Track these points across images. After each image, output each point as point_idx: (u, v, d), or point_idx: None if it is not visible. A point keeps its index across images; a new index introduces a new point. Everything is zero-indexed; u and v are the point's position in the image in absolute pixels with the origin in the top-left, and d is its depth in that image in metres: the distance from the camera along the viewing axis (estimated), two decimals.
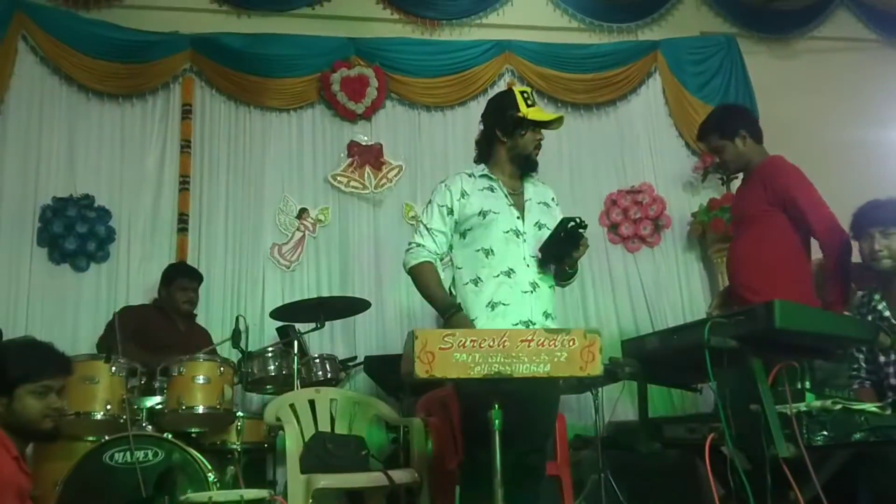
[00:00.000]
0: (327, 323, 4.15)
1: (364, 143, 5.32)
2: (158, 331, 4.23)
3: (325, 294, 4.82)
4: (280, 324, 4.40)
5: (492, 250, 2.79)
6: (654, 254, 5.48)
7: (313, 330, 4.09)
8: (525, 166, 2.93)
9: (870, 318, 2.90)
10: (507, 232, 2.81)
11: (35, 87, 5.01)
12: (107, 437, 3.28)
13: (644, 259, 5.46)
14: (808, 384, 2.22)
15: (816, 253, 3.20)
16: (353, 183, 5.25)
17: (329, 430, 3.52)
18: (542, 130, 2.94)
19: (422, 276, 2.83)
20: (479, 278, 2.78)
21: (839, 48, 6.11)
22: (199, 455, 3.33)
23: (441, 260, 2.90)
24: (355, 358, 4.71)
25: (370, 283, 5.09)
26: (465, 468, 2.78)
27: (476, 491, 2.55)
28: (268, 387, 4.26)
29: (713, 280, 5.35)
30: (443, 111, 5.50)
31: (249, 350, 4.04)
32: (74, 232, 4.74)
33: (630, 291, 5.37)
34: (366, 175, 5.26)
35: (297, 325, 4.20)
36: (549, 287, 2.86)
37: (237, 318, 3.97)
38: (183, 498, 2.89)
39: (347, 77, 5.30)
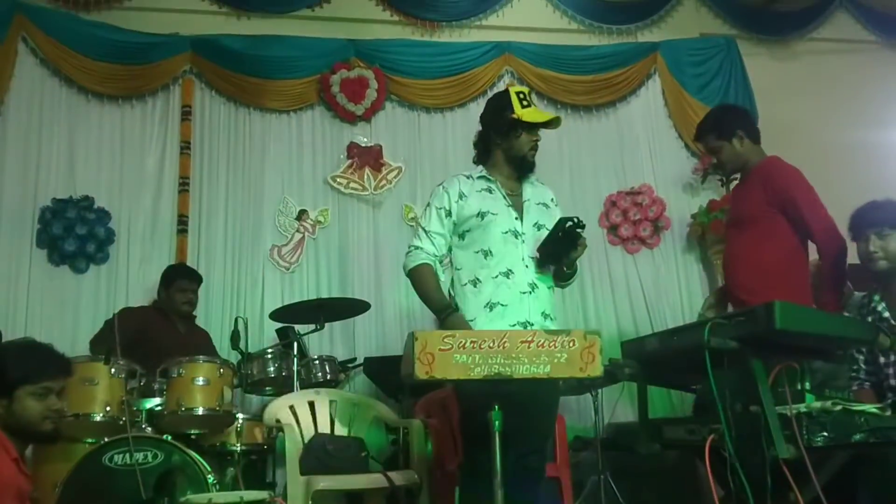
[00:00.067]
0: (327, 324, 4.16)
1: (364, 145, 5.32)
2: (158, 332, 4.23)
3: (325, 295, 4.82)
4: (280, 325, 4.40)
5: (490, 251, 2.79)
6: (654, 255, 5.48)
7: (313, 331, 4.09)
8: (521, 168, 2.92)
9: (869, 318, 2.90)
10: (506, 233, 2.82)
11: (35, 88, 5.02)
12: (106, 439, 3.27)
13: (643, 260, 5.47)
14: (807, 385, 2.21)
15: (812, 254, 3.20)
16: (352, 184, 5.25)
17: (329, 431, 3.51)
18: (542, 131, 2.94)
19: (419, 279, 2.83)
20: (478, 279, 2.79)
21: (838, 50, 6.11)
22: (198, 457, 3.33)
23: (441, 262, 2.90)
24: (355, 359, 4.71)
25: (370, 284, 5.09)
26: (464, 469, 2.78)
27: (476, 492, 2.55)
28: (267, 388, 4.26)
29: (713, 281, 5.36)
30: (442, 113, 5.51)
31: (249, 351, 4.04)
32: (74, 233, 4.74)
33: (629, 293, 5.37)
34: (365, 176, 5.27)
35: (297, 327, 4.19)
36: (548, 288, 2.86)
37: (236, 320, 3.98)
38: (183, 500, 2.89)
39: (347, 78, 5.30)
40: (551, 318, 2.82)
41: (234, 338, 3.90)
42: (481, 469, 2.27)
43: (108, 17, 5.19)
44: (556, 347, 2.10)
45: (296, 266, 5.11)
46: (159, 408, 3.57)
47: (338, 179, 5.25)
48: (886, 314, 2.88)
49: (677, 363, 2.47)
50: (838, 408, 2.00)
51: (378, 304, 4.93)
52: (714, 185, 5.51)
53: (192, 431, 3.69)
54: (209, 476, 3.25)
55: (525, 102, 2.87)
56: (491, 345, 2.08)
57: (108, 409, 3.34)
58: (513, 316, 2.73)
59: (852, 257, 3.07)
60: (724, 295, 3.49)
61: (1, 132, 4.91)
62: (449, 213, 2.87)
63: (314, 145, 5.32)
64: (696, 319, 3.60)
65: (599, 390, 4.20)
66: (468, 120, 5.24)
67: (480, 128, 3.01)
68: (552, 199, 3.00)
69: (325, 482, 3.16)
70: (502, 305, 2.74)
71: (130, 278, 4.89)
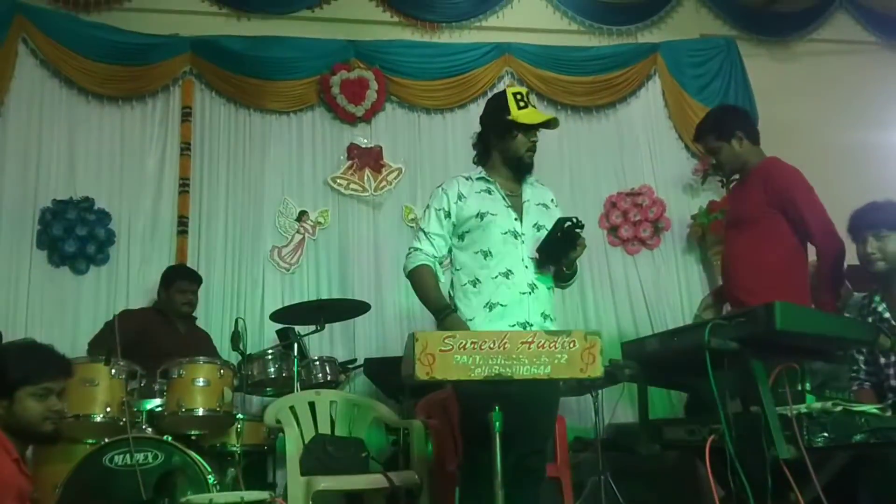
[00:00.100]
0: (327, 325, 4.15)
1: (364, 146, 5.32)
2: (158, 334, 4.23)
3: (325, 297, 4.83)
4: (280, 326, 4.40)
5: (490, 252, 2.80)
6: (654, 256, 5.49)
7: (313, 332, 4.09)
8: (518, 169, 2.92)
9: (870, 319, 2.90)
10: (505, 233, 2.82)
11: (35, 89, 5.02)
12: (107, 440, 3.27)
13: (644, 261, 5.47)
14: (808, 386, 2.21)
15: (811, 255, 3.21)
16: (352, 185, 5.26)
17: (329, 432, 3.52)
18: (542, 132, 2.94)
19: (418, 280, 2.84)
20: (478, 279, 2.79)
21: (838, 50, 6.12)
22: (199, 457, 3.33)
23: (441, 263, 2.91)
24: (355, 360, 4.71)
25: (370, 285, 5.09)
26: (464, 470, 2.78)
27: (476, 493, 2.55)
28: (268, 389, 4.26)
29: (713, 282, 5.35)
30: (442, 114, 5.51)
31: (249, 352, 4.04)
32: (74, 234, 4.74)
33: (630, 293, 5.37)
34: (365, 177, 5.27)
35: (297, 328, 4.19)
36: (548, 288, 2.86)
37: (237, 321, 3.98)
38: (183, 500, 2.89)
39: (347, 79, 5.30)
40: (551, 319, 2.82)
41: (235, 339, 3.90)
42: (481, 470, 2.27)
43: (108, 18, 5.19)
44: (556, 348, 2.10)
45: (296, 267, 5.11)
46: (160, 408, 3.58)
47: (338, 180, 5.25)
48: (887, 315, 2.88)
49: (677, 364, 2.47)
50: (839, 408, 2.00)
51: (378, 305, 4.93)
52: (714, 186, 5.51)
53: (193, 432, 3.69)
54: (209, 477, 3.25)
55: (522, 103, 2.86)
56: (491, 346, 2.08)
57: (108, 409, 3.34)
58: (512, 316, 2.73)
59: (852, 258, 3.07)
60: (721, 296, 3.49)
61: (1, 133, 4.91)
62: (448, 215, 2.87)
63: (314, 146, 5.32)
64: (692, 321, 3.61)
65: (600, 391, 4.20)
66: (468, 121, 5.24)
67: (480, 129, 3.01)
68: (552, 200, 3.00)
69: (325, 483, 3.16)
70: (502, 306, 2.74)
71: (130, 279, 4.89)
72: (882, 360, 2.87)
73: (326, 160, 5.31)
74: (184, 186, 5.06)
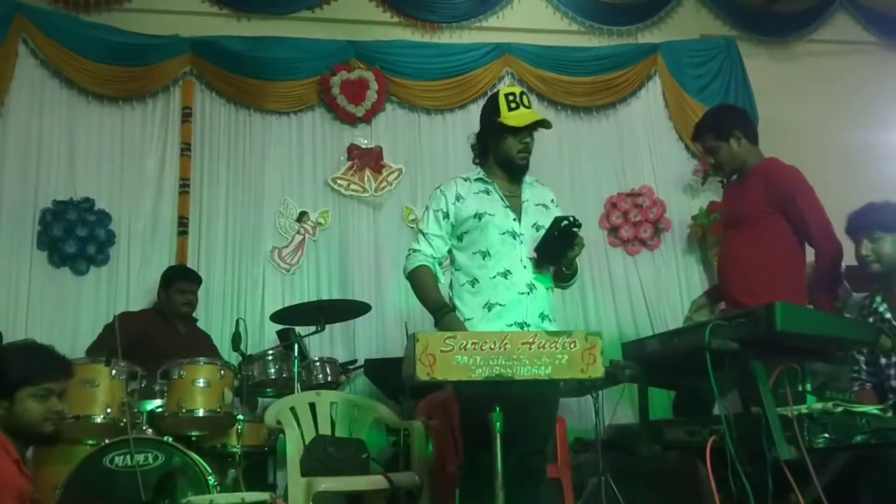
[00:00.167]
0: (327, 326, 4.15)
1: (364, 146, 5.32)
2: (158, 335, 4.23)
3: (325, 297, 4.83)
4: (280, 327, 4.40)
5: (488, 252, 2.80)
6: (654, 257, 5.49)
7: (313, 333, 4.09)
8: (511, 171, 2.91)
9: (871, 319, 2.91)
10: (504, 234, 2.82)
11: (35, 90, 5.02)
12: (107, 441, 3.27)
13: (644, 262, 5.47)
14: (808, 386, 2.21)
15: (808, 255, 3.21)
16: (353, 186, 5.25)
17: (329, 433, 3.52)
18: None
19: (417, 280, 2.85)
20: (476, 279, 2.79)
21: (838, 51, 6.12)
22: (199, 458, 3.33)
23: (440, 264, 2.91)
24: (355, 361, 4.71)
25: (370, 286, 5.09)
26: (464, 471, 2.78)
27: (476, 494, 2.55)
28: (268, 390, 4.25)
29: (713, 282, 5.32)
30: (443, 114, 5.51)
31: (249, 353, 4.04)
32: (74, 235, 4.74)
33: (630, 294, 5.37)
34: (366, 178, 5.27)
35: (298, 329, 4.19)
36: (547, 289, 2.85)
37: (237, 322, 3.98)
38: (184, 501, 2.90)
39: (347, 80, 5.30)
40: (550, 319, 2.81)
41: (235, 339, 3.90)
42: (482, 470, 2.27)
43: (109, 18, 5.19)
44: (557, 349, 2.10)
45: (296, 268, 5.11)
46: (160, 409, 3.57)
47: (338, 181, 5.25)
48: (888, 315, 2.88)
49: (678, 364, 2.47)
50: (839, 409, 2.00)
51: (378, 305, 4.92)
52: (714, 187, 5.51)
53: (193, 433, 3.68)
54: (210, 478, 3.25)
55: (513, 105, 2.84)
56: (492, 346, 2.08)
57: (108, 410, 3.34)
58: (510, 316, 2.73)
59: (851, 258, 3.07)
60: (714, 297, 3.47)
61: (1, 134, 4.91)
62: (447, 216, 2.88)
63: (314, 147, 5.32)
64: (683, 323, 3.60)
65: (600, 392, 4.19)
66: (468, 121, 5.23)
67: (479, 130, 3.02)
68: (552, 200, 3.00)
69: (325, 483, 3.16)
70: (500, 305, 2.74)
71: (131, 280, 4.89)
72: (883, 361, 2.87)
73: (327, 161, 5.31)
74: (184, 187, 5.06)
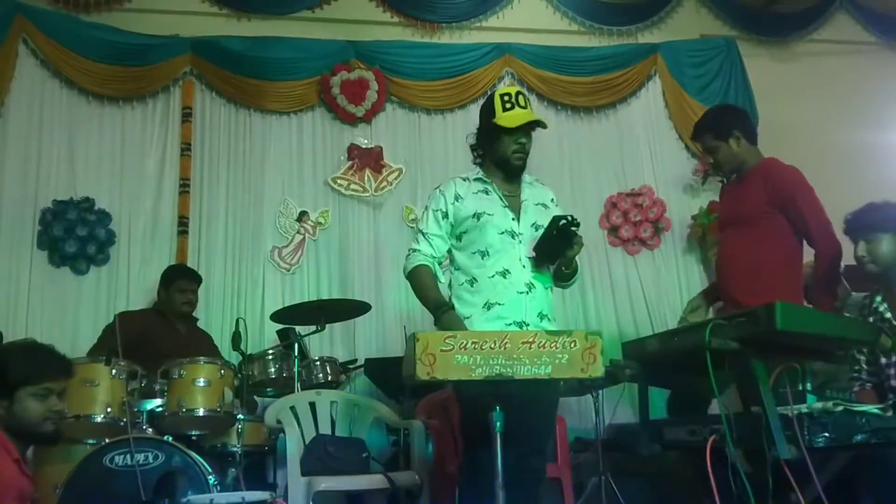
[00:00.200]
0: (327, 326, 4.15)
1: (364, 146, 5.33)
2: (158, 335, 4.22)
3: (325, 297, 4.83)
4: (280, 326, 4.40)
5: (487, 252, 2.80)
6: (654, 256, 5.49)
7: (313, 332, 4.09)
8: (507, 171, 2.91)
9: (871, 319, 2.91)
10: (503, 233, 2.81)
11: (35, 90, 5.02)
12: (107, 440, 3.27)
13: (644, 261, 5.47)
14: (809, 386, 2.22)
15: (808, 255, 3.21)
16: (353, 186, 5.26)
17: (329, 432, 3.52)
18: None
19: (417, 280, 2.85)
20: (475, 279, 2.79)
21: (838, 51, 6.12)
22: (199, 458, 3.33)
23: (440, 264, 2.91)
24: (355, 360, 4.71)
25: (370, 285, 5.09)
26: (464, 470, 2.78)
27: (476, 493, 2.55)
28: (268, 389, 4.26)
29: (713, 282, 5.33)
30: (443, 114, 5.51)
31: (250, 353, 4.04)
32: (74, 235, 4.74)
33: (630, 294, 5.38)
34: (366, 178, 5.27)
35: (298, 328, 4.20)
36: (546, 288, 2.85)
37: (237, 321, 3.98)
38: (184, 500, 2.90)
39: (347, 80, 5.30)
40: (549, 319, 2.81)
41: (235, 339, 3.90)
42: (481, 470, 2.27)
43: (109, 18, 5.19)
44: (557, 348, 2.10)
45: (296, 267, 5.11)
46: (160, 409, 3.57)
47: (338, 181, 5.25)
48: (888, 315, 2.88)
49: (678, 364, 2.47)
50: (840, 408, 2.00)
51: (378, 305, 4.93)
52: (714, 186, 5.50)
53: (193, 432, 3.69)
54: (210, 477, 3.25)
55: (508, 105, 2.83)
56: (492, 346, 2.08)
57: (108, 410, 3.34)
58: (509, 316, 2.73)
59: (850, 258, 3.07)
60: (709, 297, 3.46)
61: (1, 134, 4.91)
62: (446, 215, 2.88)
63: (314, 147, 5.33)
64: (678, 324, 3.60)
65: (600, 391, 4.19)
66: (468, 121, 5.22)
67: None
68: (552, 200, 3.00)
69: (325, 483, 3.17)
70: (499, 305, 2.74)
71: (131, 280, 4.89)
72: (883, 361, 2.87)
73: (327, 160, 5.31)
74: (184, 187, 5.06)
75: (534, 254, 2.80)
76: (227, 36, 5.30)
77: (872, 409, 2.06)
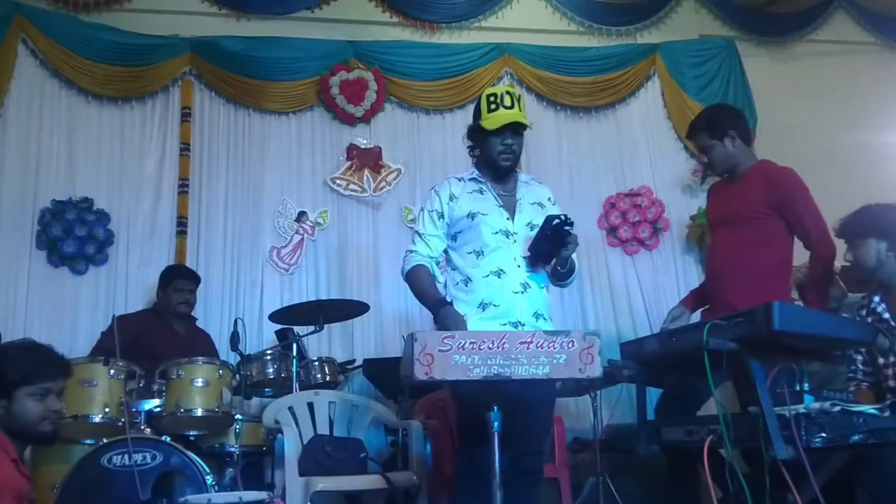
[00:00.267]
0: (326, 326, 4.15)
1: (363, 146, 5.33)
2: (155, 336, 4.22)
3: (324, 297, 4.82)
4: (279, 327, 4.40)
5: (482, 251, 2.80)
6: (653, 257, 5.49)
7: (312, 333, 4.08)
8: (496, 172, 2.91)
9: (869, 319, 2.91)
10: (497, 233, 2.82)
11: (35, 90, 5.01)
12: (105, 440, 3.28)
13: (642, 262, 5.47)
14: (806, 386, 2.21)
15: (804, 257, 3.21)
16: (352, 186, 5.26)
17: (328, 432, 3.52)
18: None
19: (414, 279, 2.85)
20: (470, 278, 2.80)
21: (837, 51, 6.11)
22: (197, 458, 3.33)
23: (437, 263, 2.91)
24: (354, 361, 4.70)
25: (369, 286, 5.09)
26: (461, 471, 2.77)
27: (473, 493, 2.55)
28: (266, 390, 4.26)
29: None
30: (442, 114, 5.51)
31: (248, 353, 4.04)
32: (73, 235, 4.74)
33: (628, 294, 5.37)
34: (365, 178, 5.27)
35: (296, 328, 4.19)
36: (541, 288, 2.85)
37: (235, 321, 3.98)
38: (182, 501, 2.90)
39: (347, 80, 5.30)
40: (545, 319, 2.81)
41: (234, 339, 3.90)
42: (478, 470, 2.27)
43: (108, 18, 5.19)
44: (555, 348, 2.11)
45: (295, 268, 5.11)
46: (158, 409, 3.58)
47: (337, 181, 5.25)
48: (886, 315, 2.89)
49: (676, 364, 2.47)
50: (837, 409, 2.00)
51: (377, 305, 4.92)
52: None
53: (191, 433, 3.69)
54: (208, 477, 3.25)
55: (493, 106, 2.83)
56: (490, 346, 2.09)
57: (106, 410, 3.34)
58: (504, 315, 2.73)
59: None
60: (691, 304, 3.42)
61: (1, 134, 4.90)
62: (441, 216, 2.88)
63: (313, 147, 5.32)
64: (694, 321, 3.58)
65: (598, 392, 4.20)
66: (467, 121, 5.12)
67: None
68: (549, 199, 2.99)
69: (323, 483, 3.16)
70: (494, 305, 2.74)
71: (130, 280, 4.88)
72: (881, 361, 2.88)
73: (326, 161, 5.31)
74: (183, 187, 5.05)
75: (528, 253, 2.80)
76: (226, 36, 5.29)
77: (869, 409, 2.06)
